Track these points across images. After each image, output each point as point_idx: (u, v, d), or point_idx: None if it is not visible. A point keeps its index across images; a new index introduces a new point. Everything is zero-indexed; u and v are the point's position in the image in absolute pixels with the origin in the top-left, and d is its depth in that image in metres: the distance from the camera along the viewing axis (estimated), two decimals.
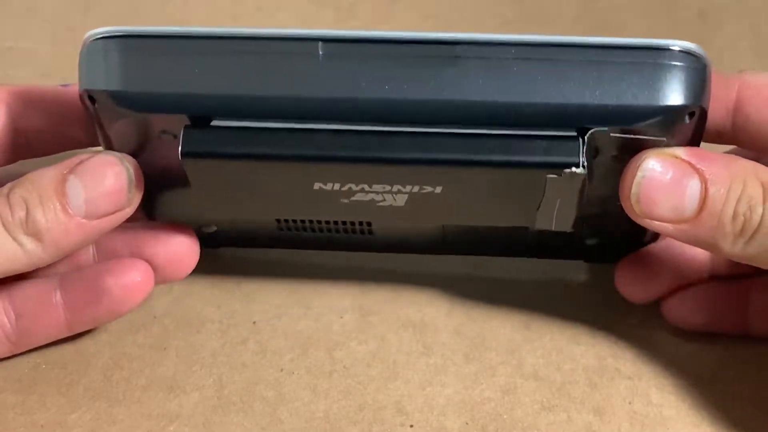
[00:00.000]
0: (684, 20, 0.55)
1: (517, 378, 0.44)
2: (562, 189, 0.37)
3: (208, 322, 0.46)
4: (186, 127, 0.37)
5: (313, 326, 0.46)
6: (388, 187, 0.38)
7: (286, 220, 0.44)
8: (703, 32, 0.54)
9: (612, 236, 0.44)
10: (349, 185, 0.38)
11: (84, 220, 0.40)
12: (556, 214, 0.39)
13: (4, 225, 0.39)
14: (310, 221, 0.43)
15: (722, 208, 0.37)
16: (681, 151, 0.38)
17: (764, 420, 0.42)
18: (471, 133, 0.37)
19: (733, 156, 0.38)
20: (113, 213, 0.40)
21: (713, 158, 0.38)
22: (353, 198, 0.39)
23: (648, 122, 0.36)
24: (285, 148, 0.37)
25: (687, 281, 0.44)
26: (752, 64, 0.53)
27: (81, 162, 0.40)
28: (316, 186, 0.38)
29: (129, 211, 0.41)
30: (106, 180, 0.40)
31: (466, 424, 0.42)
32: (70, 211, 0.39)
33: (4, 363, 0.44)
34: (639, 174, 0.38)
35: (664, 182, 0.37)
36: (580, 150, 0.36)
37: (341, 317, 0.46)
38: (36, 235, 0.39)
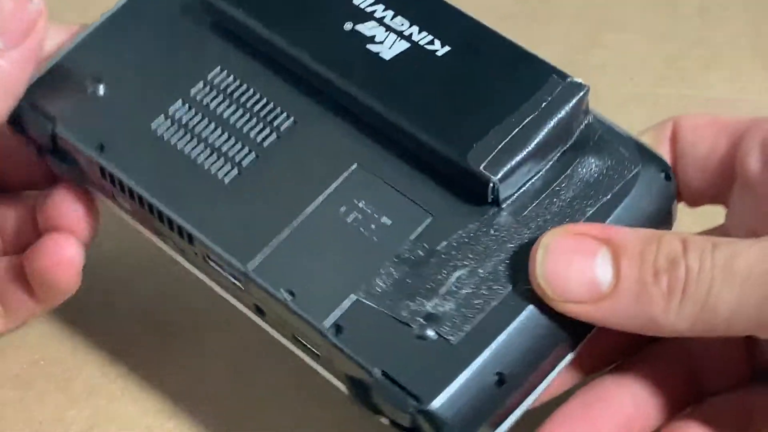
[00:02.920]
0: (684, 16, 0.54)
1: None
2: None
3: (209, 317, 0.46)
4: None
5: None
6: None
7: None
8: (703, 28, 0.54)
9: None
10: None
11: (9, 52, 0.39)
12: None
13: None
14: None
15: (640, 268, 0.33)
16: (582, 227, 0.35)
17: None
18: None
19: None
20: (30, 31, 0.39)
21: (617, 228, 0.35)
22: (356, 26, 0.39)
23: None
24: None
25: None
26: (751, 60, 0.53)
27: None
28: None
29: (43, 24, 0.40)
30: (4, 4, 0.39)
31: None
32: None
33: (3, 358, 0.44)
34: (540, 252, 0.34)
35: (570, 256, 0.34)
36: None
37: None
38: None
